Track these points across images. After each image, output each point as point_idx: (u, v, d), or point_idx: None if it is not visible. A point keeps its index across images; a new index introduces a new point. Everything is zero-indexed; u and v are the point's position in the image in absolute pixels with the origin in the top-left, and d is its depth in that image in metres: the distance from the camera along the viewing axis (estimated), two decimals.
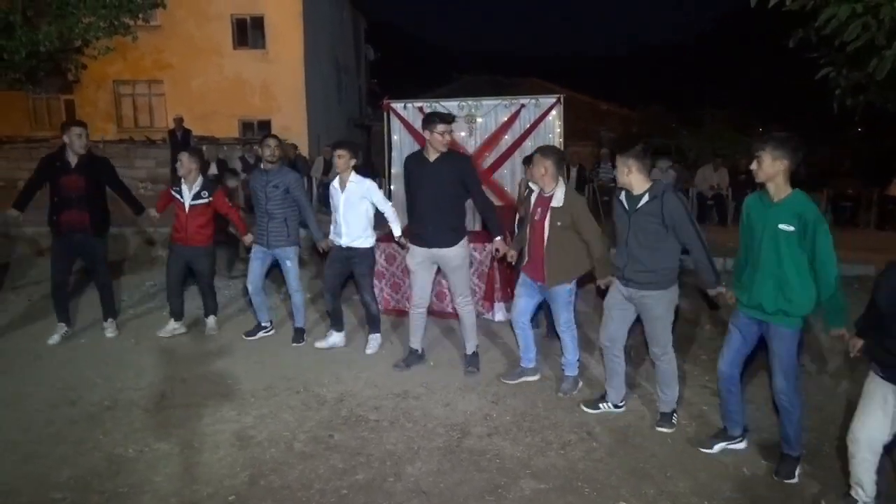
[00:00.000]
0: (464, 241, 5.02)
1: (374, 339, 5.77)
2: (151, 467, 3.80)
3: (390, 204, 5.55)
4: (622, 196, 4.14)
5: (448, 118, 4.87)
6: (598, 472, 3.73)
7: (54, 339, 5.84)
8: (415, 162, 5.03)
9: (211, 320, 6.29)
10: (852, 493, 3.28)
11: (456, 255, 4.98)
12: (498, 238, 4.97)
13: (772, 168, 3.40)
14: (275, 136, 5.88)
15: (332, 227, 5.60)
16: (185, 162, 5.78)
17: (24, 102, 18.66)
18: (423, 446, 4.03)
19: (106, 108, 19.19)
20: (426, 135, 4.89)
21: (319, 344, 5.80)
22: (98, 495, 3.51)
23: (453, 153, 5.05)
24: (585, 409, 4.54)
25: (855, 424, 3.23)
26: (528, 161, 6.00)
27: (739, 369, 3.83)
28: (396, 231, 5.49)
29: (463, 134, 7.04)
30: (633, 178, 4.03)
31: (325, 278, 5.72)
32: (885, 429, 3.13)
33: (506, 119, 7.09)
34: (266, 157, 5.69)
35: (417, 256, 5.09)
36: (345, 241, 5.45)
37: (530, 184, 4.91)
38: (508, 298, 6.70)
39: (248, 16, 19.01)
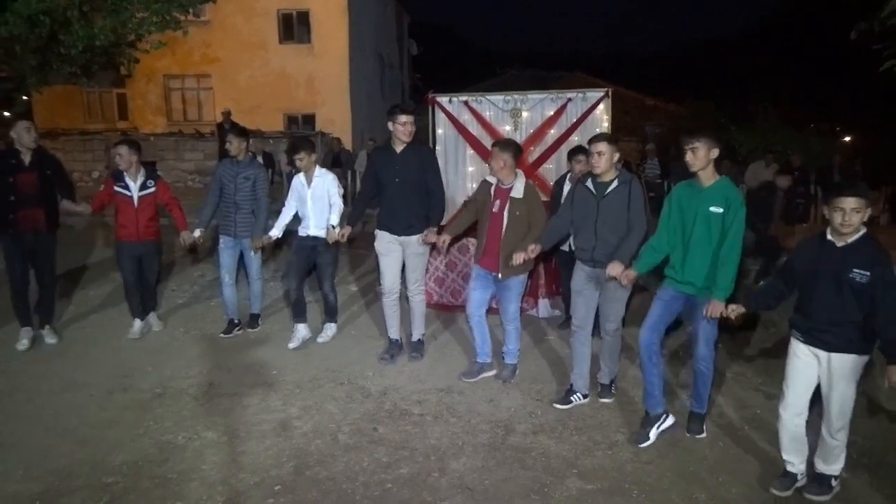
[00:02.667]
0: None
1: (330, 328, 5.92)
2: (199, 455, 3.86)
3: (340, 200, 5.60)
4: (589, 182, 4.37)
5: (410, 109, 5.06)
6: (647, 475, 3.65)
7: (23, 343, 5.57)
8: (382, 153, 5.24)
9: (153, 317, 6.16)
10: (788, 467, 3.51)
11: (419, 241, 5.13)
12: (431, 228, 5.05)
13: (706, 158, 3.73)
14: (237, 130, 6.06)
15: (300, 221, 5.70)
16: (126, 155, 5.59)
17: (78, 96, 19.19)
18: (468, 442, 4.01)
19: (156, 101, 19.62)
20: (389, 126, 5.04)
21: (292, 344, 5.68)
22: (149, 480, 3.58)
23: (418, 144, 5.24)
24: (558, 405, 4.52)
25: (786, 392, 3.48)
26: (572, 154, 5.92)
27: (659, 336, 4.05)
28: (334, 220, 5.48)
29: (508, 128, 6.97)
30: (610, 167, 4.27)
31: (289, 268, 5.95)
32: (812, 388, 3.40)
33: (552, 113, 6.97)
34: (231, 152, 5.84)
35: (385, 240, 5.22)
36: (313, 232, 5.59)
37: (487, 177, 4.96)
38: (553, 294, 6.63)
39: (294, 10, 19.21)
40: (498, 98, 7.02)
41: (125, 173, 5.65)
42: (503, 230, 4.70)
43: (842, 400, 3.28)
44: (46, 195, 5.49)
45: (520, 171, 4.79)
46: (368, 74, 21.74)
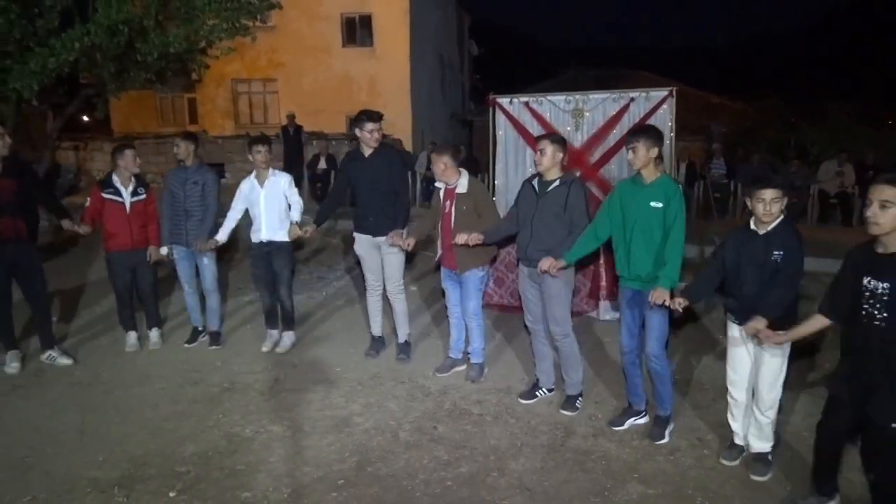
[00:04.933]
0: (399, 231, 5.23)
1: (287, 337, 5.79)
2: (266, 447, 3.99)
3: (299, 198, 5.59)
4: (535, 181, 4.50)
5: (376, 117, 5.13)
6: (710, 481, 3.58)
7: (13, 367, 5.23)
8: (352, 158, 5.37)
9: (154, 334, 5.88)
10: (736, 440, 3.84)
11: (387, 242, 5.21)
12: (398, 230, 5.12)
13: (646, 156, 3.91)
14: (184, 135, 5.78)
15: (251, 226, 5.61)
16: (132, 158, 5.50)
17: (152, 101, 19.97)
18: (527, 443, 4.01)
19: (224, 105, 20.25)
20: (357, 132, 5.18)
21: (265, 348, 5.71)
22: (218, 471, 3.73)
23: (387, 148, 5.42)
24: (522, 400, 4.65)
25: (729, 372, 3.82)
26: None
27: (637, 339, 4.15)
28: (295, 217, 5.50)
29: (569, 129, 6.92)
30: (554, 166, 4.39)
31: (254, 279, 5.94)
32: (751, 367, 3.69)
33: (614, 113, 6.88)
34: (178, 157, 5.66)
35: (363, 244, 5.37)
36: (265, 236, 5.50)
37: (437, 183, 5.11)
38: (615, 297, 6.55)
39: (357, 14, 19.50)
40: (559, 98, 6.98)
41: (115, 180, 5.46)
42: (453, 226, 4.87)
43: (771, 376, 3.59)
44: (25, 204, 5.14)
45: (463, 170, 4.97)
46: (429, 76, 21.89)
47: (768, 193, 3.40)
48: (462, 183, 4.90)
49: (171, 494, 3.49)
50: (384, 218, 5.22)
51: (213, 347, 5.79)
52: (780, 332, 3.34)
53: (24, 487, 3.56)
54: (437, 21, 23.20)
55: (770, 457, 3.72)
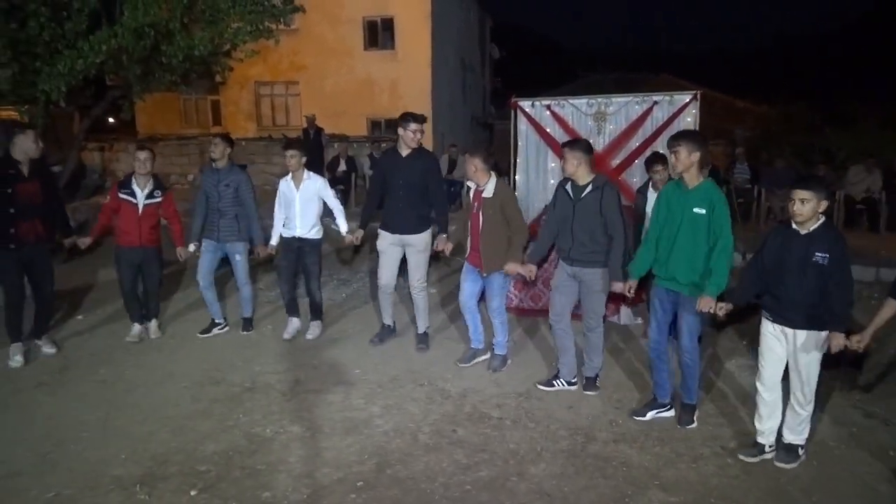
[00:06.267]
0: (429, 230, 5.46)
1: (316, 326, 6.11)
2: (286, 448, 4.01)
3: (338, 200, 5.88)
4: (568, 186, 4.67)
5: (420, 119, 5.33)
6: (733, 490, 3.53)
7: (17, 360, 5.33)
8: (389, 157, 5.55)
9: (153, 324, 6.09)
10: (759, 438, 3.88)
11: (420, 240, 5.45)
12: (442, 235, 5.43)
13: (688, 160, 3.94)
14: (222, 136, 5.98)
15: (282, 223, 5.89)
16: (147, 160, 5.64)
17: (175, 103, 20.23)
18: (547, 448, 3.99)
19: (247, 107, 20.43)
20: (399, 131, 5.35)
21: (286, 336, 6.00)
22: (239, 470, 3.75)
23: (423, 150, 5.53)
24: (540, 386, 4.88)
25: (760, 370, 3.83)
26: (650, 164, 5.78)
27: (666, 335, 4.32)
28: (343, 227, 5.85)
29: (591, 132, 6.88)
30: (580, 171, 4.57)
31: (279, 270, 6.13)
32: (784, 363, 3.75)
33: (637, 117, 6.85)
34: (213, 156, 5.87)
35: (386, 240, 5.53)
36: (299, 233, 5.79)
37: (468, 182, 5.33)
38: (636, 301, 6.49)
39: (379, 17, 19.58)
40: (581, 102, 6.96)
41: (133, 180, 5.65)
42: (480, 228, 5.03)
43: (807, 373, 3.66)
44: (47, 206, 5.33)
45: (493, 174, 5.09)
46: (450, 79, 21.91)
47: (798, 193, 3.50)
48: (489, 187, 5.02)
49: (192, 493, 3.52)
50: (414, 218, 5.39)
51: (245, 333, 6.18)
52: (859, 335, 3.46)
53: (48, 483, 3.61)
54: (459, 24, 23.22)
55: (801, 450, 3.81)
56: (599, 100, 6.93)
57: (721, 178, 13.28)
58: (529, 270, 4.93)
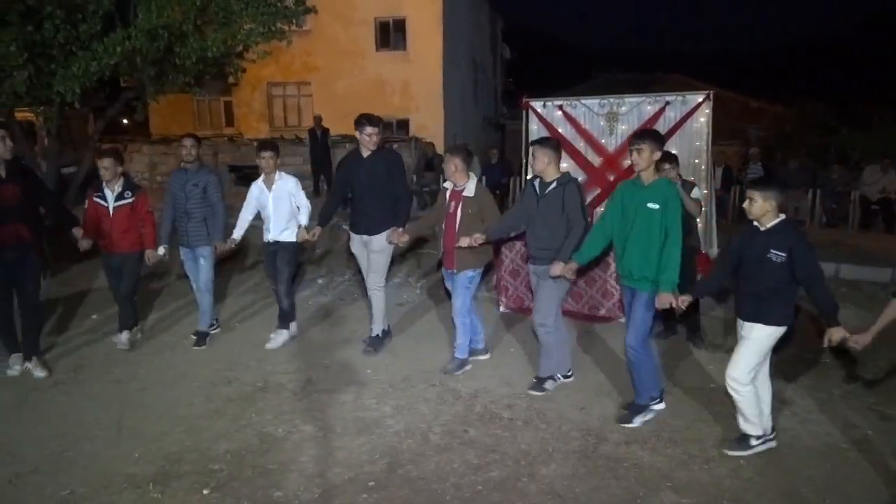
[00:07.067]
0: (387, 232, 5.37)
1: (280, 335, 5.89)
2: (298, 447, 4.03)
3: (307, 200, 5.73)
4: (536, 182, 4.73)
5: (375, 121, 5.30)
6: (746, 492, 3.51)
7: (16, 369, 5.15)
8: (352, 158, 5.55)
9: (124, 336, 5.75)
10: (745, 429, 3.90)
11: (378, 241, 5.43)
12: (398, 229, 5.34)
13: (650, 158, 4.11)
14: (191, 136, 5.84)
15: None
16: (111, 167, 5.44)
17: (189, 104, 20.32)
18: (558, 448, 3.98)
19: (260, 108, 20.51)
20: (356, 134, 5.34)
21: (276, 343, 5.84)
22: (251, 469, 3.77)
23: (386, 150, 5.59)
24: (532, 392, 4.79)
25: (734, 364, 3.82)
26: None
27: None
28: (303, 221, 5.66)
29: (603, 132, 6.86)
30: (549, 168, 4.61)
31: (268, 277, 6.16)
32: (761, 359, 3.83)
33: (649, 117, 6.83)
34: (183, 157, 5.76)
35: (355, 241, 5.62)
36: (272, 236, 5.72)
37: (444, 183, 5.33)
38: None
39: (391, 18, 19.60)
40: (593, 102, 6.95)
41: (105, 184, 5.51)
42: (457, 227, 5.02)
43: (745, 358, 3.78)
44: (28, 208, 5.08)
45: (472, 174, 5.13)
46: (462, 80, 21.90)
47: (748, 193, 3.72)
48: (470, 188, 5.07)
49: (205, 492, 3.54)
50: (377, 218, 5.40)
51: (197, 348, 5.79)
52: (864, 333, 3.48)
53: (63, 481, 3.65)
54: (471, 25, 23.21)
55: (754, 440, 3.88)
56: (612, 100, 6.93)
57: (734, 177, 13.23)
58: (476, 238, 4.84)
